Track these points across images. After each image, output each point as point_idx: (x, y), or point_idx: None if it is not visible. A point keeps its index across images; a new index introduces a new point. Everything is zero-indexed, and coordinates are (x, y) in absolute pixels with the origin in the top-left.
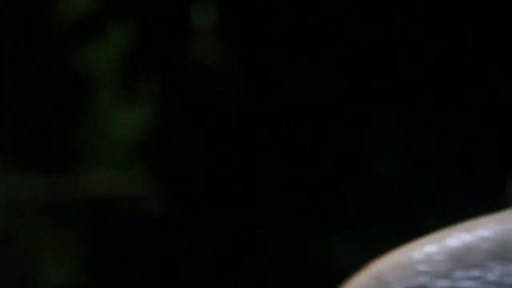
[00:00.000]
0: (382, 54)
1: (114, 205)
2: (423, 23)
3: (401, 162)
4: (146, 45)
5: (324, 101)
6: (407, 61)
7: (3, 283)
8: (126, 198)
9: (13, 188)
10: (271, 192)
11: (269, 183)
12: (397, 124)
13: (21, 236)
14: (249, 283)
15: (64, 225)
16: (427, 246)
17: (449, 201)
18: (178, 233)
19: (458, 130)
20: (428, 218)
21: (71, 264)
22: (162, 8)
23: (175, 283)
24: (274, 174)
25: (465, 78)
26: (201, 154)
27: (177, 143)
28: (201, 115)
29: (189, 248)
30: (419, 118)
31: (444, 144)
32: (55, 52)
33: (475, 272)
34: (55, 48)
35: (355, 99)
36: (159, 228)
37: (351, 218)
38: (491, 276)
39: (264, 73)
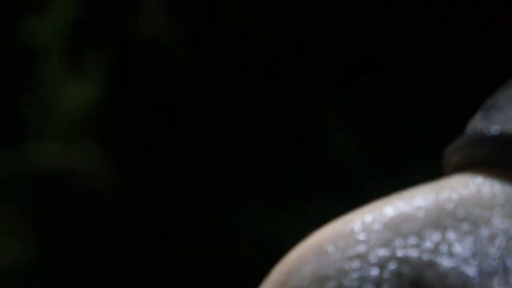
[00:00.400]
0: (331, 29)
1: (62, 180)
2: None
3: (349, 136)
4: (93, 17)
5: (275, 75)
6: (357, 36)
7: None
8: (74, 173)
9: None
10: (221, 166)
11: (220, 157)
12: (346, 97)
13: None
14: (196, 257)
15: (10, 201)
16: (364, 216)
17: (396, 174)
18: (127, 208)
19: (405, 103)
20: (375, 191)
21: (18, 241)
22: None
23: (124, 258)
24: (225, 147)
25: (413, 54)
26: (150, 128)
27: (126, 116)
28: (150, 89)
29: (138, 224)
30: (367, 91)
31: (392, 117)
32: None
33: (412, 240)
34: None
35: (305, 72)
36: (108, 203)
37: (298, 192)
38: (428, 243)
39: (213, 46)
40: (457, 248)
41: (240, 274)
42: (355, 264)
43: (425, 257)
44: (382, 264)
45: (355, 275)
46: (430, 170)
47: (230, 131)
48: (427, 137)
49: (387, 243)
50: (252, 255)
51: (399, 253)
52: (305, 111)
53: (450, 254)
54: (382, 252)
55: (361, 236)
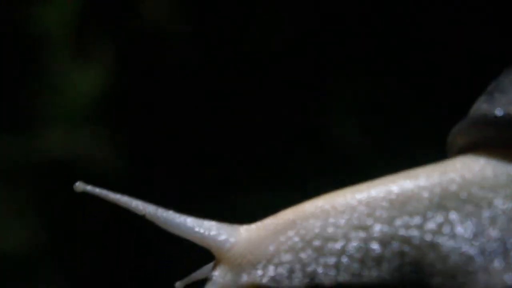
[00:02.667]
0: (336, 20)
1: (69, 165)
2: None
3: (351, 124)
4: (98, 5)
5: (279, 64)
6: (361, 27)
7: None
8: (81, 158)
9: None
10: (226, 151)
11: (225, 142)
12: (348, 86)
13: None
14: None
15: (19, 187)
16: (371, 190)
17: (398, 160)
18: (134, 193)
19: (408, 92)
20: (378, 177)
21: (27, 226)
22: None
23: (131, 241)
24: (230, 133)
25: (415, 42)
26: (155, 113)
27: (131, 102)
28: (154, 75)
29: None
30: (369, 80)
31: (396, 106)
32: (6, 13)
33: (416, 220)
34: (7, 9)
35: (311, 63)
36: (115, 188)
37: (302, 178)
38: (431, 224)
39: (216, 32)
40: (460, 229)
41: None
42: (360, 234)
43: (428, 237)
44: (384, 241)
45: (358, 245)
46: (432, 156)
47: (236, 119)
48: (428, 124)
49: (391, 221)
50: None
51: (402, 232)
52: (308, 101)
53: (453, 235)
54: (386, 229)
55: (367, 210)
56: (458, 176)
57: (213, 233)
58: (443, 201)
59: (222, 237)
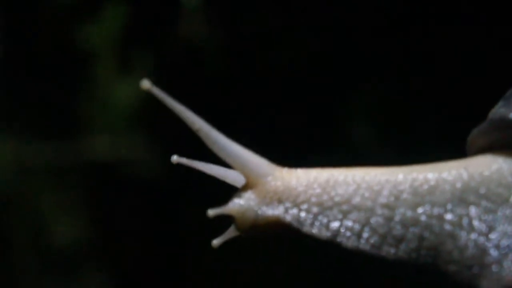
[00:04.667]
0: (354, 26)
1: (113, 168)
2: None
3: (371, 128)
4: (140, 23)
5: (302, 73)
6: (377, 31)
7: (16, 240)
8: (124, 162)
9: (22, 154)
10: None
11: (253, 146)
12: (367, 92)
13: (30, 198)
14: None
15: (69, 187)
16: (398, 174)
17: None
18: (171, 193)
19: (425, 95)
20: None
21: (76, 222)
22: None
23: (171, 240)
24: (256, 140)
25: (431, 49)
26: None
27: (169, 111)
28: (190, 85)
29: (183, 206)
30: (386, 86)
31: (410, 111)
32: (58, 31)
33: (437, 210)
34: (58, 28)
35: (330, 70)
36: (154, 189)
37: None
38: (450, 216)
39: (245, 46)
40: (477, 224)
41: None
42: (385, 212)
43: (447, 227)
44: (407, 224)
45: (382, 221)
46: (449, 156)
47: (265, 127)
48: (442, 127)
49: (414, 207)
50: None
51: (423, 218)
52: (329, 106)
53: (471, 228)
54: (409, 213)
55: (395, 191)
56: (477, 173)
57: (255, 164)
58: (463, 195)
59: (262, 171)
